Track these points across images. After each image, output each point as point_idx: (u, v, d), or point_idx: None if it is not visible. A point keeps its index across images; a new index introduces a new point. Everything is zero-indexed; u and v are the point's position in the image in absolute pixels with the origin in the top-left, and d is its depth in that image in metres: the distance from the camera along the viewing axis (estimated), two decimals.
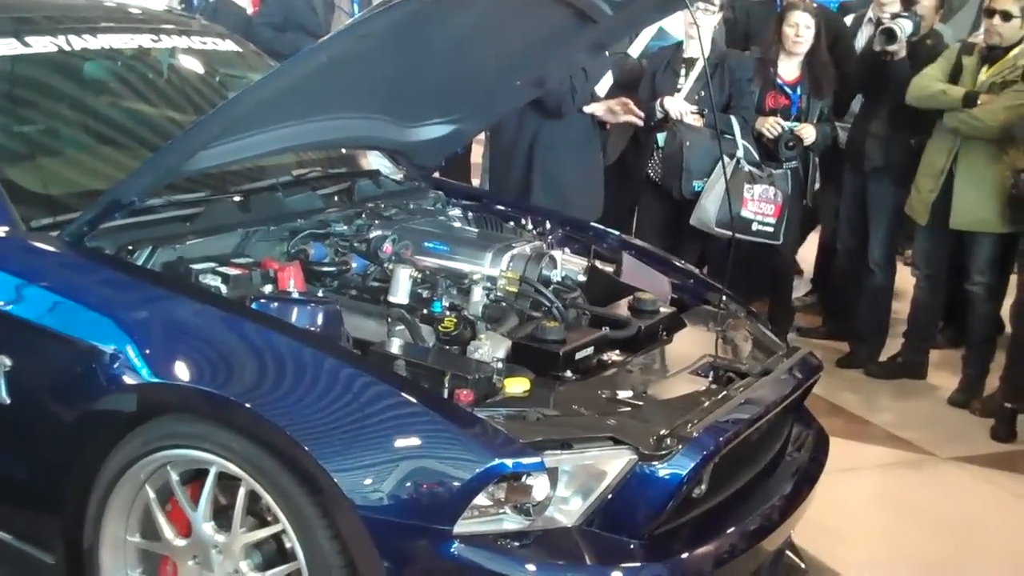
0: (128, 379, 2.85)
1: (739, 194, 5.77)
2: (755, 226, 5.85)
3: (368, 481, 2.64)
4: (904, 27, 5.74)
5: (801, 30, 5.92)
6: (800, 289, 7.21)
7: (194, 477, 2.91)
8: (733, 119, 5.86)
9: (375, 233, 3.58)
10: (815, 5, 6.05)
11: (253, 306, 3.03)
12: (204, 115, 3.41)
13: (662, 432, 2.81)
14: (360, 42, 3.07)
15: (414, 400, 2.73)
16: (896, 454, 5.28)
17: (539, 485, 2.71)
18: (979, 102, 5.45)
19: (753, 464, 3.25)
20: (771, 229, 5.88)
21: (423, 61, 3.46)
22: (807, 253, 7.34)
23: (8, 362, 2.98)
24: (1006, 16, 5.46)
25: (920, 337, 6.18)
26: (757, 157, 5.90)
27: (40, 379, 3.01)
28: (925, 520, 4.62)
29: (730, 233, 5.46)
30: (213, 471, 2.83)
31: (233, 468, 2.79)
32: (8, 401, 2.99)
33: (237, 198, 3.59)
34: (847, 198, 6.35)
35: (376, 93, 3.62)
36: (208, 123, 3.14)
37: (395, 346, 3.01)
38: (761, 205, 5.84)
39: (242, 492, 2.80)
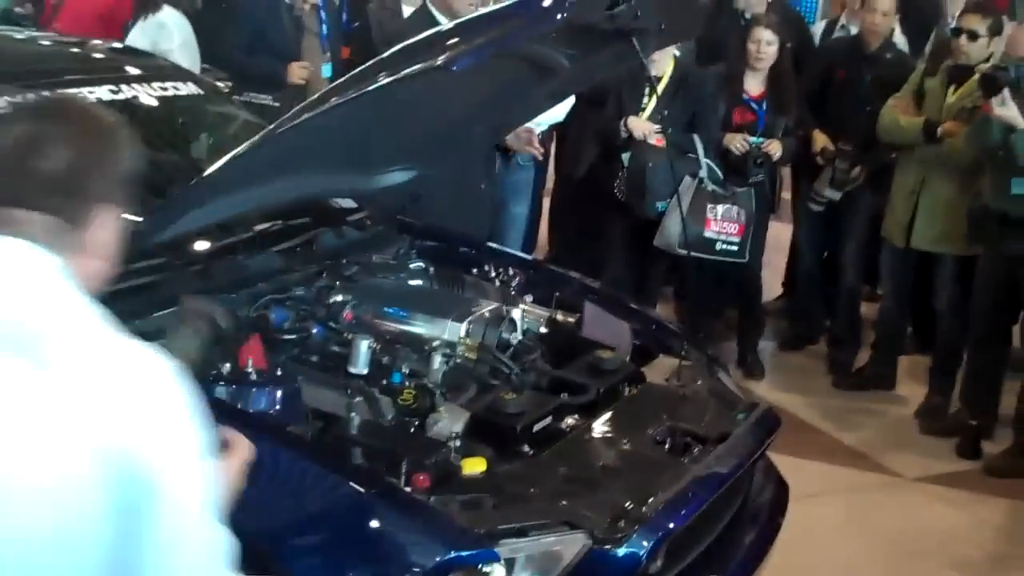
0: None
1: (702, 214, 5.79)
2: (719, 246, 5.87)
3: (322, 574, 2.67)
4: None
5: (763, 46, 5.90)
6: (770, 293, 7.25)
7: None
8: (696, 138, 5.85)
9: (335, 298, 3.57)
10: (776, 21, 6.05)
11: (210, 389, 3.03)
12: (170, 196, 3.44)
13: (617, 515, 2.85)
14: (330, 109, 3.08)
15: (366, 492, 2.75)
16: (863, 476, 5.32)
17: (496, 573, 2.73)
18: (940, 131, 5.46)
19: (711, 530, 3.28)
20: (735, 248, 5.90)
21: (390, 116, 3.48)
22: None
23: None
24: (972, 35, 5.44)
25: (887, 349, 6.23)
26: (721, 176, 5.89)
27: None
28: (891, 547, 4.68)
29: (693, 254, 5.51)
30: None
31: None
32: None
33: (196, 267, 3.57)
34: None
35: (343, 149, 3.61)
36: (178, 201, 3.17)
37: (353, 426, 3.03)
38: (724, 225, 5.86)
39: None
